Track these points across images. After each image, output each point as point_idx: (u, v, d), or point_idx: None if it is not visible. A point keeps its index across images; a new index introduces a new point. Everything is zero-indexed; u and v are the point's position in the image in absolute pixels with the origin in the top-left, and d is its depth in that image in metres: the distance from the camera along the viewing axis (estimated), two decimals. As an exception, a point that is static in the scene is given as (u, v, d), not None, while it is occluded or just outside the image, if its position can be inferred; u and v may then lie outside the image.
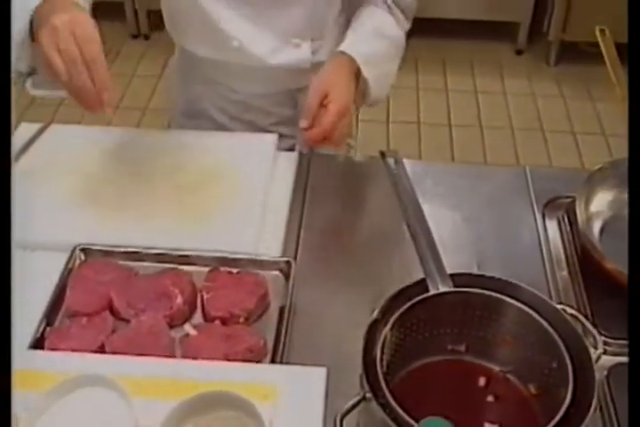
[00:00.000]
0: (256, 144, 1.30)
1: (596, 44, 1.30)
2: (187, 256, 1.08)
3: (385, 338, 0.81)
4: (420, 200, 0.99)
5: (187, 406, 0.82)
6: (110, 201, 1.18)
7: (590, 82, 3.15)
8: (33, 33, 1.00)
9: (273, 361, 0.94)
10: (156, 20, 3.18)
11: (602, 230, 1.14)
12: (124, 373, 0.87)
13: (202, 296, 1.02)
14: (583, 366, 0.79)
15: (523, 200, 1.23)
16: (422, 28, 3.44)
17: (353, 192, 1.25)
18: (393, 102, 3.06)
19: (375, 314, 0.84)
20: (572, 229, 1.16)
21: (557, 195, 1.23)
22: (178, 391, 0.84)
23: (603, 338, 0.84)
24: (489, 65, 3.35)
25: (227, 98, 1.42)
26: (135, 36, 3.49)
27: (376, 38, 1.27)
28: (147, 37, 3.48)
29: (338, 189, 1.25)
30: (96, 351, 0.94)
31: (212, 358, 0.92)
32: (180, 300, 0.99)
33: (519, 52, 3.43)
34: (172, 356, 0.95)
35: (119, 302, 1.00)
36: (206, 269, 1.05)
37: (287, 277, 1.05)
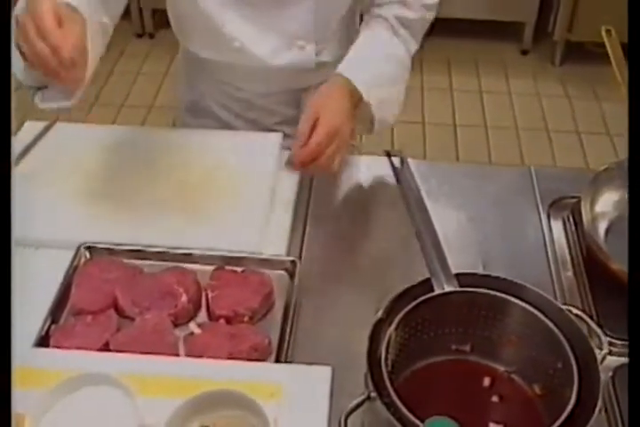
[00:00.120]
0: (261, 143, 1.30)
1: (602, 45, 1.30)
2: (191, 255, 1.08)
3: (390, 338, 0.81)
4: (425, 200, 0.99)
5: (192, 405, 0.82)
6: (115, 199, 1.18)
7: (596, 82, 3.14)
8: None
9: (277, 360, 0.94)
10: (161, 19, 3.18)
11: (607, 231, 1.14)
12: (129, 371, 0.87)
13: (206, 295, 1.02)
14: (588, 366, 0.79)
15: (528, 200, 1.23)
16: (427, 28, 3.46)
17: (358, 192, 1.25)
18: (397, 102, 3.06)
19: (380, 313, 0.84)
20: (577, 229, 1.16)
21: (563, 195, 1.22)
22: (183, 390, 0.84)
23: (608, 339, 0.84)
24: (494, 65, 3.35)
25: (231, 96, 1.42)
26: (140, 35, 3.50)
27: (378, 61, 1.23)
28: (152, 36, 3.48)
29: (343, 188, 1.25)
30: (101, 349, 0.95)
31: (217, 357, 0.92)
32: (184, 298, 0.99)
33: (524, 52, 3.43)
34: (177, 354, 0.95)
35: (124, 300, 1.00)
36: (211, 267, 1.06)
37: (292, 276, 1.05)
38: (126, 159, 1.27)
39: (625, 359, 0.95)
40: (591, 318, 0.87)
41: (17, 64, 0.97)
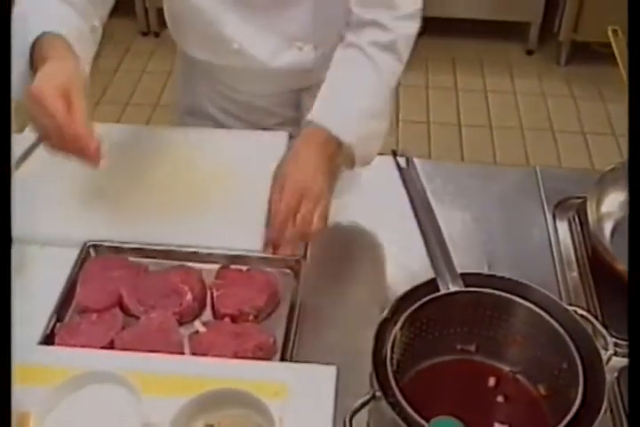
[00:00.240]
0: (267, 142, 1.30)
1: (608, 45, 1.30)
2: (197, 253, 1.08)
3: (395, 337, 0.81)
4: (431, 199, 0.99)
5: (197, 404, 0.82)
6: (120, 198, 1.18)
7: (601, 82, 3.13)
8: (33, 64, 1.01)
9: (282, 359, 0.94)
10: (167, 18, 3.18)
11: (613, 231, 1.13)
12: (134, 369, 0.87)
13: (211, 294, 1.02)
14: (594, 367, 0.79)
15: (533, 200, 1.23)
16: (433, 28, 3.43)
17: (363, 191, 1.25)
18: (402, 101, 3.06)
19: (385, 313, 0.84)
20: (582, 229, 1.15)
21: (568, 195, 1.22)
22: (188, 388, 0.84)
23: (613, 339, 0.84)
24: (499, 65, 3.34)
25: (229, 98, 1.42)
26: (145, 34, 3.50)
27: (351, 98, 1.15)
28: (157, 35, 3.48)
29: (348, 186, 1.24)
30: (105, 348, 0.95)
31: (222, 356, 0.92)
32: (189, 297, 1.00)
33: (530, 52, 3.42)
34: (182, 353, 0.95)
35: (129, 298, 1.00)
36: (216, 266, 1.06)
37: (297, 275, 1.05)
38: (131, 157, 1.27)
39: (630, 360, 0.95)
40: (596, 318, 0.87)
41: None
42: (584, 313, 0.86)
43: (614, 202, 1.15)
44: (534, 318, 0.86)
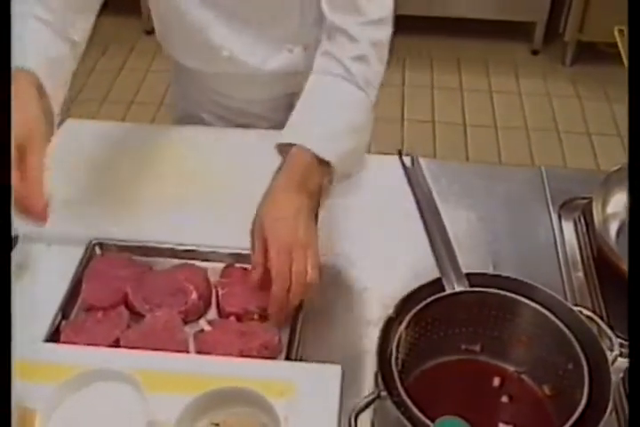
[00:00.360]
0: (274, 141, 1.29)
1: (614, 45, 1.29)
2: (202, 252, 1.08)
3: (400, 337, 0.81)
4: (436, 199, 0.99)
5: (202, 402, 0.82)
6: (126, 196, 1.19)
7: (606, 82, 3.13)
8: None
9: (288, 358, 0.94)
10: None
11: (618, 232, 1.13)
12: (139, 367, 0.87)
13: (217, 292, 1.02)
14: (599, 367, 0.79)
15: (539, 201, 1.22)
16: (438, 27, 3.46)
17: (368, 190, 1.25)
18: (407, 101, 3.06)
19: (390, 312, 0.84)
20: (588, 230, 1.15)
21: (573, 196, 1.22)
22: (193, 387, 0.84)
23: (619, 340, 0.84)
24: (504, 65, 3.34)
25: (221, 104, 1.42)
26: (150, 32, 3.50)
27: (330, 115, 1.09)
28: (162, 33, 3.48)
29: (353, 186, 1.25)
30: (111, 346, 0.95)
31: (227, 355, 0.93)
32: (194, 295, 1.00)
33: (535, 52, 3.42)
34: (187, 351, 0.95)
35: (134, 296, 1.00)
36: (221, 265, 1.06)
37: (302, 274, 1.05)
38: (136, 156, 1.27)
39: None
40: (602, 319, 0.87)
41: None
42: (589, 314, 0.86)
43: (620, 203, 1.14)
44: (539, 319, 0.86)
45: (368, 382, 0.90)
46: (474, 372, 0.91)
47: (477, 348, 0.91)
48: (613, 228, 1.13)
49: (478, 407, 0.86)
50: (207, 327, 0.98)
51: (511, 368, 0.90)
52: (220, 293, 1.01)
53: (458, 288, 0.87)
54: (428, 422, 0.73)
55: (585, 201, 1.18)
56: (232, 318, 0.98)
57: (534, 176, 1.28)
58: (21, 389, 0.85)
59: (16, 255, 1.03)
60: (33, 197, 0.89)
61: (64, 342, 0.95)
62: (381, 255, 1.12)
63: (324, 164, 1.03)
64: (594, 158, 2.82)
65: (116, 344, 0.95)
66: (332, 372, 0.91)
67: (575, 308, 0.85)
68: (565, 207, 1.21)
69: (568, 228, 1.17)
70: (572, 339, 0.82)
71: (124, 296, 1.01)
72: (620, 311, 1.00)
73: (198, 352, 0.95)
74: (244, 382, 0.84)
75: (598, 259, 1.10)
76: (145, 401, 0.83)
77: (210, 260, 1.07)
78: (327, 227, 1.16)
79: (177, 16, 1.24)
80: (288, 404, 0.86)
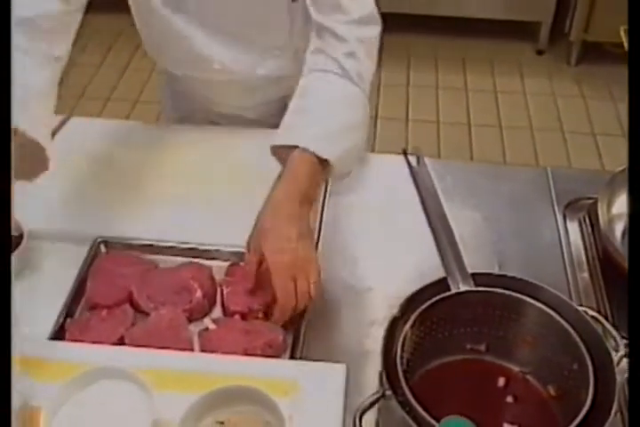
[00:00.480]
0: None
1: (620, 45, 1.29)
2: (207, 250, 1.08)
3: (405, 336, 0.81)
4: (441, 199, 0.99)
5: (207, 400, 0.82)
6: (131, 194, 1.19)
7: (612, 82, 3.12)
8: None
9: (292, 357, 0.94)
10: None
11: (624, 232, 1.13)
12: (144, 366, 0.88)
13: (221, 291, 1.02)
14: (604, 368, 0.79)
15: (544, 201, 1.22)
16: (443, 27, 3.45)
17: (373, 189, 1.25)
18: (412, 101, 3.06)
19: (396, 312, 0.84)
20: (593, 230, 1.15)
21: (579, 196, 1.22)
22: (198, 385, 0.84)
23: (624, 341, 0.83)
24: (509, 64, 3.33)
25: (212, 111, 1.42)
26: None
27: (327, 113, 1.06)
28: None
29: (358, 186, 1.24)
30: (115, 344, 0.95)
31: (231, 353, 0.93)
32: (199, 294, 1.00)
33: (540, 52, 3.41)
34: (191, 350, 0.95)
35: (139, 294, 1.00)
36: (226, 263, 1.06)
37: (307, 273, 1.05)
38: (141, 154, 1.27)
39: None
40: (607, 319, 0.87)
41: None
42: (594, 314, 0.86)
43: (625, 203, 1.14)
44: (545, 319, 0.85)
45: (372, 382, 0.90)
46: (479, 372, 0.91)
47: (482, 348, 0.91)
48: (619, 228, 1.13)
49: (483, 407, 0.86)
50: (212, 326, 0.98)
51: (516, 368, 0.90)
52: (224, 291, 1.01)
53: (463, 288, 0.87)
54: (432, 421, 0.73)
55: (590, 201, 1.18)
56: (237, 317, 0.98)
57: (539, 176, 1.28)
58: (26, 387, 0.85)
59: (22, 253, 1.03)
60: None
61: (69, 341, 0.95)
62: (386, 255, 1.12)
63: (323, 163, 1.02)
64: (599, 158, 2.81)
65: (120, 342, 0.95)
66: (337, 371, 0.91)
67: (580, 308, 0.85)
68: (570, 207, 1.21)
69: (573, 228, 1.17)
70: (578, 339, 0.82)
71: (129, 294, 1.01)
72: (626, 312, 1.01)
73: (203, 351, 0.95)
74: (249, 381, 0.84)
75: (603, 259, 1.10)
76: (150, 399, 0.83)
77: (215, 258, 1.07)
78: (332, 226, 1.16)
79: (165, 32, 1.24)
80: (292, 403, 0.86)
